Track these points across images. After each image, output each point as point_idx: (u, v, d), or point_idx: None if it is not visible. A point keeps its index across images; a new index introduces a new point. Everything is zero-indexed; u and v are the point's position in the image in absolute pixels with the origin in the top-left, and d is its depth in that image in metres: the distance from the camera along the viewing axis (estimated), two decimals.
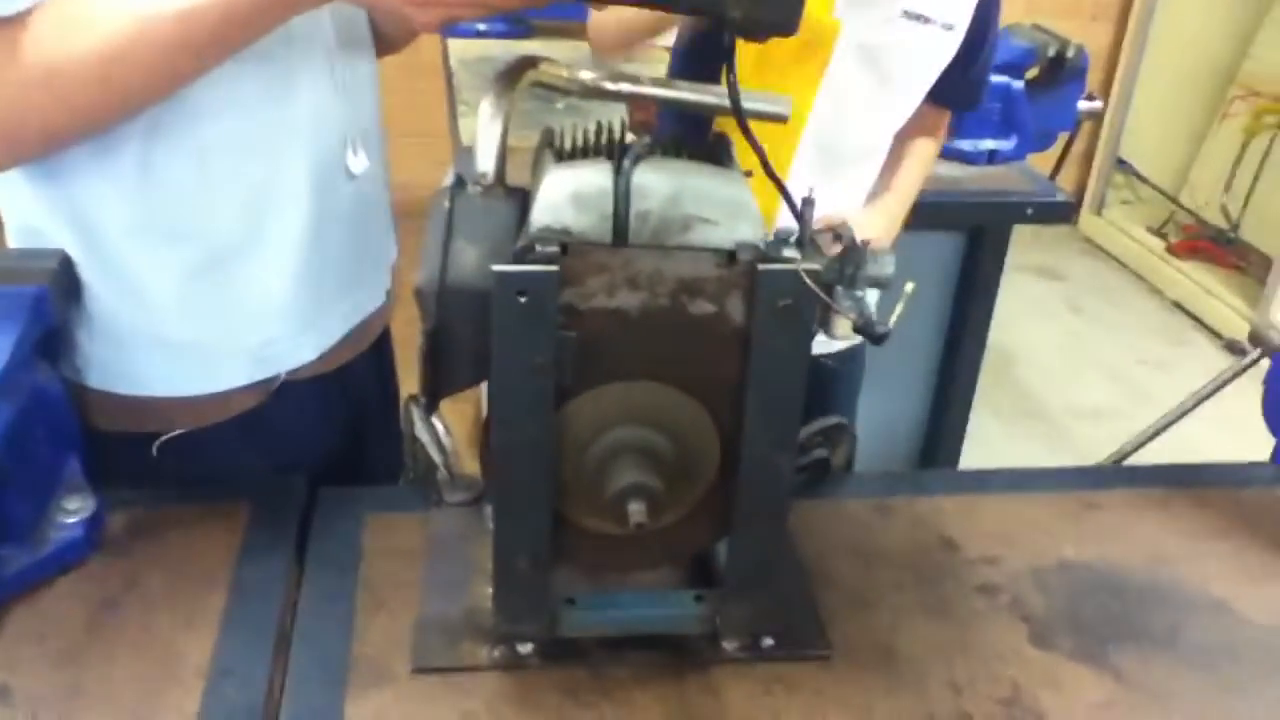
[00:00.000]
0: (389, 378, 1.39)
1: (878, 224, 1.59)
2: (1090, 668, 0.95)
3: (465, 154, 2.05)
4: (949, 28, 1.52)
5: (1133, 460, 1.59)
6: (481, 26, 2.54)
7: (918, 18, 1.49)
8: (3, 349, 0.88)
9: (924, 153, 1.69)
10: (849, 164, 1.58)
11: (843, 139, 1.54)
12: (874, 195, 1.64)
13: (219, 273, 1.05)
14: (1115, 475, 1.27)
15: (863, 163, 1.61)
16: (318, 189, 1.08)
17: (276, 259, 1.07)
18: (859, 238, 1.44)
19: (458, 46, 2.52)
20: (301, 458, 1.15)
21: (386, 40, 1.22)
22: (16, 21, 0.85)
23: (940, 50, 1.53)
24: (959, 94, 1.63)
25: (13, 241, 1.08)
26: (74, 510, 0.95)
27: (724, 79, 0.74)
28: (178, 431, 1.09)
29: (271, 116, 1.03)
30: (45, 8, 0.86)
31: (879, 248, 0.86)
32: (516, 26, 2.62)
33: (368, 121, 1.16)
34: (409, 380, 1.42)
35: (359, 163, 1.13)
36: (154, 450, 1.09)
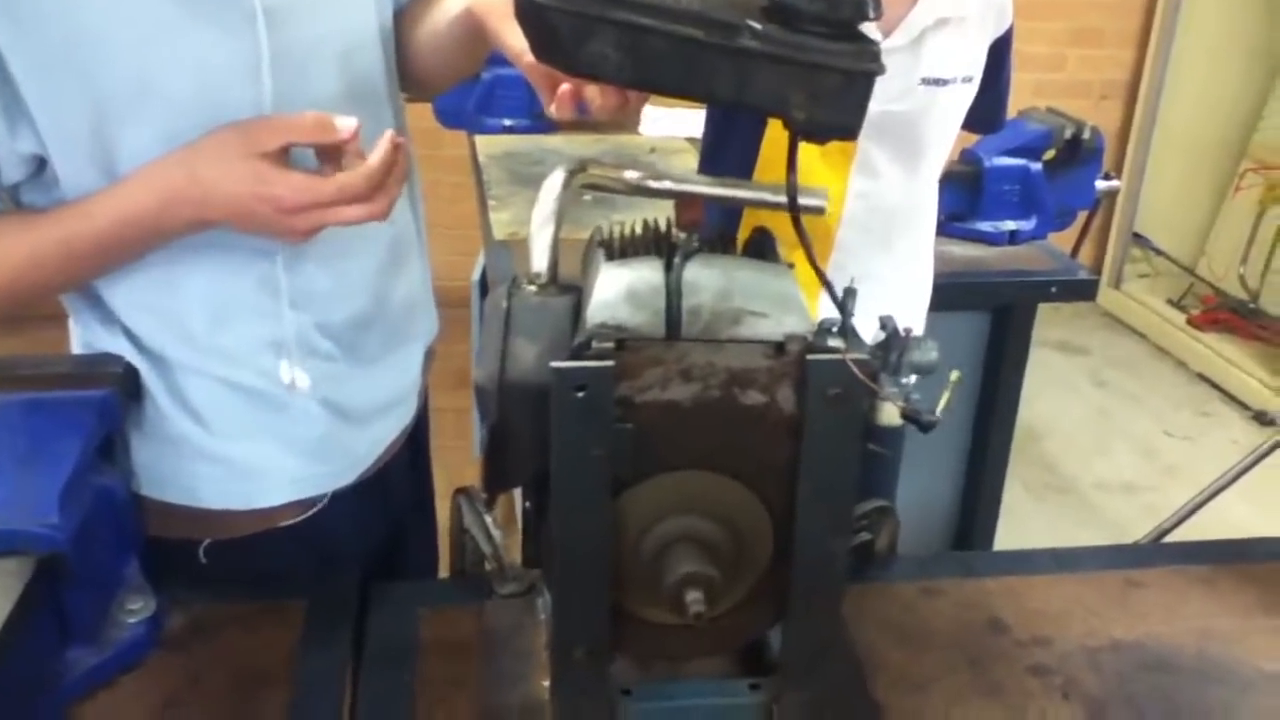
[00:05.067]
0: (425, 469, 1.41)
1: None
2: None
3: (496, 246, 2.09)
4: (968, 80, 1.53)
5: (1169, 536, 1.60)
6: (507, 122, 2.60)
7: (936, 81, 1.50)
8: (71, 452, 0.90)
9: None
10: (901, 231, 1.60)
11: (887, 210, 1.56)
12: None
13: (261, 395, 1.09)
14: (1159, 553, 1.28)
15: (915, 226, 1.62)
16: None
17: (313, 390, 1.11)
18: None
19: (484, 142, 2.58)
20: (347, 557, 1.16)
21: None
22: None
23: (962, 102, 1.55)
24: (978, 120, 1.66)
25: None
26: (136, 610, 0.97)
27: (786, 176, 0.77)
28: (226, 537, 1.11)
29: None
30: None
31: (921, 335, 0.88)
32: (539, 122, 2.68)
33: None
34: (439, 473, 1.45)
35: None
36: (201, 554, 1.11)
